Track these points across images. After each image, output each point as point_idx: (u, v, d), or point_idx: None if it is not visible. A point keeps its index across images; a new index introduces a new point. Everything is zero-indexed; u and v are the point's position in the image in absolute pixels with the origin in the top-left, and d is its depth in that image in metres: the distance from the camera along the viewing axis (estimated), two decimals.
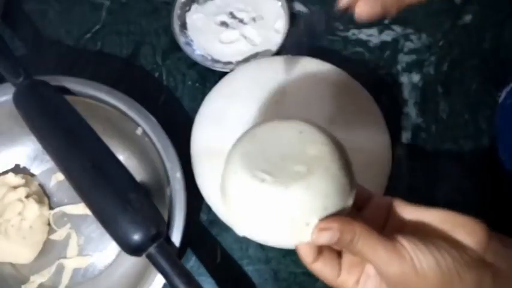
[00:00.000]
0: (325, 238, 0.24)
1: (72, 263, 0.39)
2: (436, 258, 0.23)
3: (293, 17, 0.46)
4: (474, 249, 0.24)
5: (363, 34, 0.46)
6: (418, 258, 0.23)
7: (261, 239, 0.26)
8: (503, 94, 0.42)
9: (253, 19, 0.46)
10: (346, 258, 0.27)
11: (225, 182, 0.27)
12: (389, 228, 0.27)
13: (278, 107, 0.40)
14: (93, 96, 0.39)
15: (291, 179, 0.24)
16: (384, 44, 0.46)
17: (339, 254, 0.27)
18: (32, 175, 0.42)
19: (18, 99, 0.37)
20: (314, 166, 0.24)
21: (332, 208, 0.24)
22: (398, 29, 0.46)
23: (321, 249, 0.26)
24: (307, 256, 0.26)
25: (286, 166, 0.25)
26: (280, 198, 0.24)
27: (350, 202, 0.25)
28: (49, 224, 0.41)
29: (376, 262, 0.24)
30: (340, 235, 0.24)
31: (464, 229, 0.24)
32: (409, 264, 0.23)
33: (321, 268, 0.26)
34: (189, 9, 0.47)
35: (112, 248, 0.39)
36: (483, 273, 0.23)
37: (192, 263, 0.39)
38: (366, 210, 0.28)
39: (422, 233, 0.25)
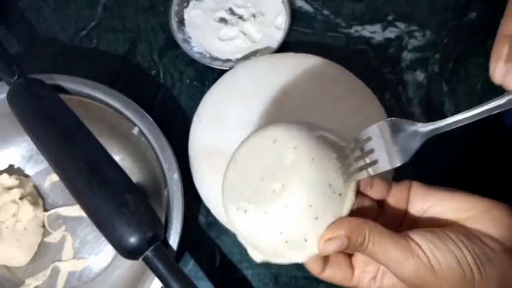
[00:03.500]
0: (333, 248, 0.23)
1: (67, 266, 0.39)
2: (455, 257, 0.22)
3: (294, 13, 0.45)
4: (499, 239, 0.22)
5: (366, 31, 0.45)
6: (436, 257, 0.22)
7: (274, 261, 0.26)
8: None
9: (253, 15, 0.45)
10: (359, 257, 0.26)
11: (228, 218, 0.27)
12: (409, 217, 0.26)
13: (279, 106, 0.40)
14: (88, 95, 0.38)
15: (269, 201, 0.23)
16: (387, 41, 0.45)
17: (348, 254, 0.26)
18: (27, 176, 0.42)
19: (12, 98, 0.36)
20: (289, 179, 0.24)
21: (325, 213, 0.23)
22: (402, 25, 0.45)
23: (327, 258, 0.25)
24: (313, 268, 0.25)
25: (264, 187, 0.24)
26: (265, 225, 0.23)
27: (350, 195, 0.24)
28: (44, 226, 0.40)
29: (389, 264, 0.23)
30: (348, 241, 0.23)
31: (488, 216, 0.23)
32: (426, 264, 0.22)
33: (332, 275, 0.26)
34: (187, 6, 0.46)
35: (108, 251, 0.39)
36: (509, 266, 0.22)
37: (190, 266, 0.39)
38: (385, 203, 0.27)
39: (443, 223, 0.24)
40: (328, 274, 0.25)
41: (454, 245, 0.22)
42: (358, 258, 0.26)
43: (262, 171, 0.25)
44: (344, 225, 0.23)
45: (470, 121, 0.23)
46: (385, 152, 0.24)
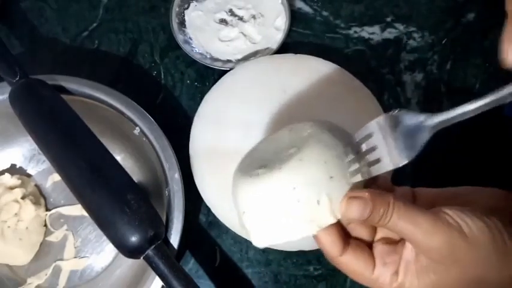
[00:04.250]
0: (355, 209, 0.21)
1: (69, 265, 0.39)
2: (484, 221, 0.21)
3: (293, 15, 0.45)
4: (508, 210, 0.22)
5: (365, 32, 0.46)
6: (466, 223, 0.21)
7: (280, 240, 0.23)
8: None
9: (253, 16, 0.45)
10: (378, 247, 0.24)
11: (236, 200, 0.25)
12: None
13: (278, 106, 0.40)
14: (90, 96, 0.38)
15: (285, 159, 0.23)
16: (386, 42, 0.45)
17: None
18: (29, 176, 0.42)
19: (14, 99, 0.36)
20: (305, 143, 0.23)
21: (339, 177, 0.22)
22: (401, 27, 0.46)
23: (347, 240, 0.23)
24: (332, 247, 0.23)
25: (279, 155, 0.24)
26: (279, 181, 0.22)
27: (363, 171, 0.23)
28: (45, 226, 0.40)
29: (417, 235, 0.21)
30: (372, 207, 0.21)
31: (494, 195, 0.23)
32: (457, 230, 0.21)
33: (352, 261, 0.23)
34: (188, 7, 0.46)
35: (109, 250, 0.39)
36: None
37: (190, 265, 0.39)
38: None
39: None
40: (348, 258, 0.23)
41: (480, 213, 0.21)
42: (378, 249, 0.24)
43: (277, 149, 0.24)
44: (367, 190, 0.22)
45: (480, 111, 0.21)
46: (386, 149, 0.22)
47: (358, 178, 0.23)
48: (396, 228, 0.22)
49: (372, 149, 0.22)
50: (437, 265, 0.22)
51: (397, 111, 0.23)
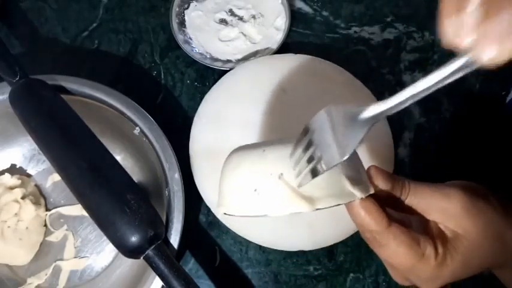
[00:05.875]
0: (382, 175, 0.23)
1: (69, 265, 0.39)
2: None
3: (293, 15, 0.45)
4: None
5: (365, 32, 0.46)
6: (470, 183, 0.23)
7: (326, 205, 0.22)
8: None
9: (253, 16, 0.45)
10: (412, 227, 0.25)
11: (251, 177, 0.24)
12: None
13: (278, 106, 0.40)
14: (90, 96, 0.38)
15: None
16: (386, 42, 0.45)
17: None
18: (29, 176, 0.42)
19: (14, 99, 0.36)
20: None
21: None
22: (401, 27, 0.46)
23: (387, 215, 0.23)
24: (380, 217, 0.22)
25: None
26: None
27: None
28: (45, 226, 0.40)
29: (436, 201, 0.23)
30: (392, 181, 0.23)
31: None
32: (469, 192, 0.23)
33: (402, 233, 0.22)
34: (188, 7, 0.46)
35: (109, 250, 0.39)
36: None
37: (190, 265, 0.39)
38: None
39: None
40: (397, 230, 0.22)
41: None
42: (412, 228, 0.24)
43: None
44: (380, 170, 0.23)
45: (422, 95, 0.19)
46: (326, 147, 0.20)
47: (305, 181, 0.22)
48: (414, 203, 0.23)
49: (309, 148, 0.22)
50: (461, 230, 0.23)
51: (329, 107, 0.22)
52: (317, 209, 0.22)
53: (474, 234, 0.23)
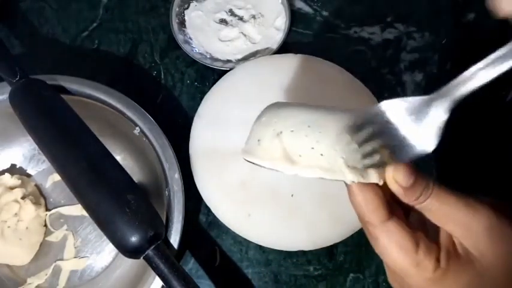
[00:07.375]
0: (402, 174, 0.20)
1: (69, 265, 0.39)
2: None
3: (293, 15, 0.45)
4: None
5: (365, 32, 0.46)
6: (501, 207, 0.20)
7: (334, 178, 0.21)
8: None
9: (253, 16, 0.45)
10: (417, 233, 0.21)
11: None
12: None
13: None
14: (90, 96, 0.38)
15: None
16: (386, 42, 0.45)
17: None
18: (29, 176, 0.42)
19: (14, 99, 0.36)
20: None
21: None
22: (401, 27, 0.46)
23: (390, 210, 0.21)
24: (379, 208, 0.20)
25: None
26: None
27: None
28: (45, 226, 0.40)
29: (457, 216, 0.20)
30: (414, 178, 0.20)
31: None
32: (495, 213, 0.20)
33: (399, 231, 0.20)
34: (188, 7, 0.46)
35: (109, 250, 0.39)
36: None
37: (190, 265, 0.39)
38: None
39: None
40: (394, 226, 0.20)
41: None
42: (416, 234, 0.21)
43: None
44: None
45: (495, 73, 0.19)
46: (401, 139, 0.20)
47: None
48: (433, 208, 0.20)
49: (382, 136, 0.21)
50: (477, 253, 0.20)
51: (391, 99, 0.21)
52: (298, 175, 0.22)
53: (491, 262, 0.20)
